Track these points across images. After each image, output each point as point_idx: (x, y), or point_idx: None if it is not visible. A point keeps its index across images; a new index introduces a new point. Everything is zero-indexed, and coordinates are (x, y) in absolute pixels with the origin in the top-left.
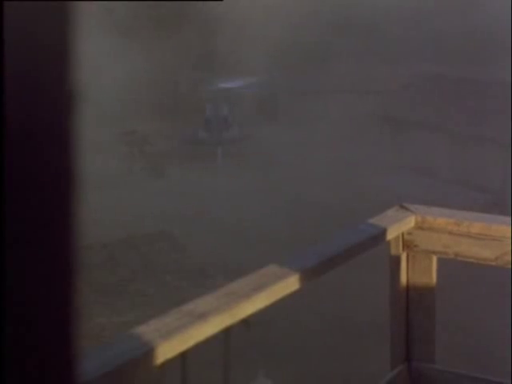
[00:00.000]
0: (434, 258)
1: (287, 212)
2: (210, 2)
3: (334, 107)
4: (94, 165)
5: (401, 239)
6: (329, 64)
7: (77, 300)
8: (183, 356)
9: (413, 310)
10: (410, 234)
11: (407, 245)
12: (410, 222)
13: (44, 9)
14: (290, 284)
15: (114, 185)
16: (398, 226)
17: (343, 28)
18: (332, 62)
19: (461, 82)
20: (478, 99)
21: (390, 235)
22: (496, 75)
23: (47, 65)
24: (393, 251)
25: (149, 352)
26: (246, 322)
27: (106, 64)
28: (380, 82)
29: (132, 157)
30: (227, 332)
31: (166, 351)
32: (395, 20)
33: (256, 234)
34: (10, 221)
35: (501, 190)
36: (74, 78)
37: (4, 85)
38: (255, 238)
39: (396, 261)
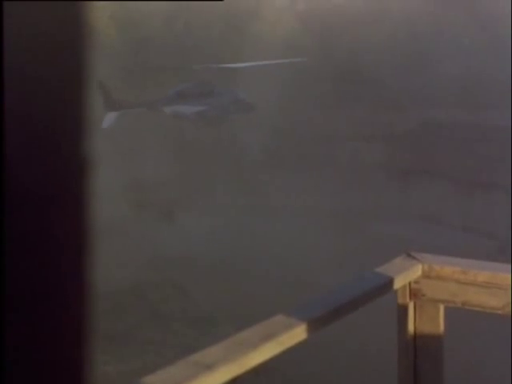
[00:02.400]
0: (442, 307)
1: (294, 259)
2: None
3: (339, 154)
4: (102, 212)
5: (408, 288)
6: (334, 111)
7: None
8: None
9: (420, 358)
10: (417, 282)
11: (414, 294)
12: (417, 270)
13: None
14: (298, 334)
15: (122, 231)
16: (405, 275)
17: (348, 75)
18: (337, 109)
19: (467, 128)
20: (484, 145)
21: (397, 284)
22: (502, 121)
23: (61, 134)
24: (400, 300)
25: None
26: (254, 370)
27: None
28: (385, 129)
29: (141, 204)
30: (235, 382)
31: None
32: (398, 66)
33: (264, 280)
34: (20, 279)
35: (508, 236)
36: (88, 137)
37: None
38: (264, 286)
39: (403, 310)
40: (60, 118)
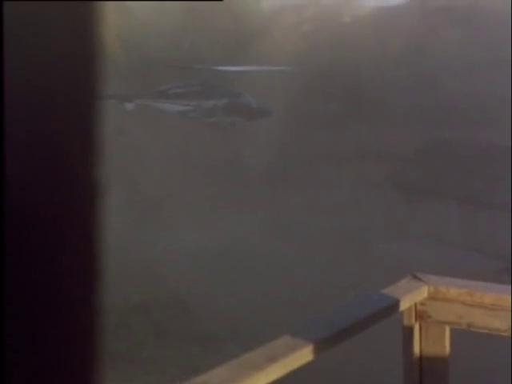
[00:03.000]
0: (447, 329)
1: (298, 278)
2: None
3: (344, 172)
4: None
5: (414, 310)
6: (339, 129)
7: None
8: None
9: (426, 380)
10: (422, 304)
11: (420, 315)
12: (422, 292)
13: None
14: (303, 355)
15: (123, 246)
16: (411, 296)
17: (353, 94)
18: (342, 127)
19: (472, 147)
20: (489, 164)
21: (403, 306)
22: (507, 140)
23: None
24: (406, 322)
25: None
26: None
27: None
28: (391, 148)
29: (142, 218)
30: None
31: None
32: (404, 85)
33: (269, 298)
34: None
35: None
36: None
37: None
38: (269, 303)
39: (409, 331)
40: (71, 139)
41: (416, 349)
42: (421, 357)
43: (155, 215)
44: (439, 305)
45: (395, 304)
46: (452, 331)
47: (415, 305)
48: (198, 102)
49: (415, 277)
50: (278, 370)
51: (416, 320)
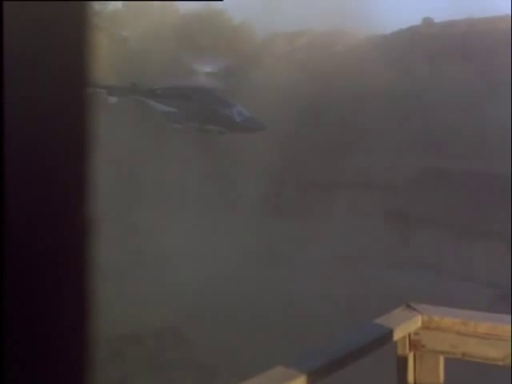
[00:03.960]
0: (441, 358)
1: (293, 308)
2: None
3: (339, 201)
4: (101, 258)
5: (408, 339)
6: (333, 158)
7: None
8: None
9: None
10: (417, 334)
11: (414, 345)
12: (416, 321)
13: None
14: None
15: (120, 277)
16: (405, 326)
17: (347, 123)
18: (336, 156)
19: (466, 176)
20: (484, 193)
21: (397, 335)
22: (501, 169)
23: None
24: (400, 351)
25: None
26: None
27: None
28: (385, 176)
29: (139, 249)
30: None
31: None
32: (398, 114)
33: (264, 328)
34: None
35: (508, 284)
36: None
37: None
38: (264, 334)
39: (403, 361)
40: (63, 179)
41: (410, 378)
42: None
43: (147, 244)
44: (433, 334)
45: (389, 334)
46: (447, 360)
47: (409, 334)
48: (184, 104)
49: (409, 306)
50: None
51: (410, 350)
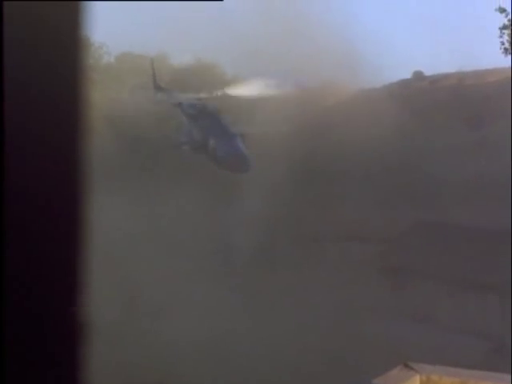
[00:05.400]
0: None
1: (284, 360)
2: None
3: (329, 254)
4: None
5: None
6: (324, 210)
7: None
8: None
9: None
10: None
11: None
12: (414, 381)
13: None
14: None
15: (113, 332)
16: None
17: (337, 174)
18: (326, 208)
19: (458, 229)
20: (475, 246)
21: None
22: (492, 222)
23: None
24: None
25: None
26: None
27: None
28: (376, 228)
29: (131, 303)
30: None
31: None
32: (389, 166)
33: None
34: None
35: (501, 336)
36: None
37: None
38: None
39: None
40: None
41: None
42: None
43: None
44: None
45: None
46: None
47: None
48: (187, 123)
49: (406, 365)
50: None
51: None
